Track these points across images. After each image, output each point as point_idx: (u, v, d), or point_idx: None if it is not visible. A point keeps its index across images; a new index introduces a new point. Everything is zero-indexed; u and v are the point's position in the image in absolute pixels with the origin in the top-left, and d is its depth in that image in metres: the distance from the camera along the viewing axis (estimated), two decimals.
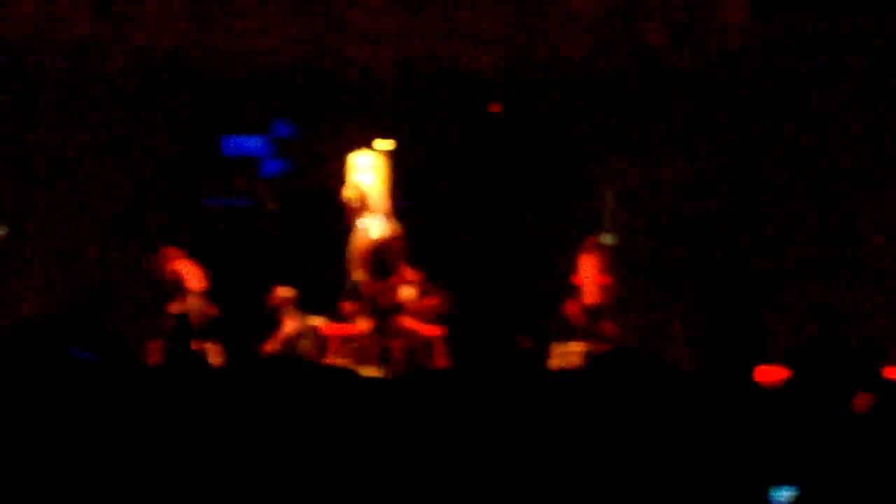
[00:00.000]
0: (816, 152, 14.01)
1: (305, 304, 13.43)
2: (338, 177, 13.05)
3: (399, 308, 12.54)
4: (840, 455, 3.69)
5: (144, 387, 3.71)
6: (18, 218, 14.34)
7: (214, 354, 12.34)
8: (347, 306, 12.93)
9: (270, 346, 13.25)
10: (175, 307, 12.85)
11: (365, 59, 11.69)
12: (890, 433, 3.99)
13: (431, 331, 12.56)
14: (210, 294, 13.18)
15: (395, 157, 13.30)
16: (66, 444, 3.27)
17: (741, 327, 13.05)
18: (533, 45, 11.77)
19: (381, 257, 12.47)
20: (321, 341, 13.01)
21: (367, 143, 13.18)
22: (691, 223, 14.30)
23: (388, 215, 12.98)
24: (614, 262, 13.65)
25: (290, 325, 13.23)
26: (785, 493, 3.19)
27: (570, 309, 13.32)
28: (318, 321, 13.24)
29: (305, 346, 13.21)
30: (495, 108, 14.32)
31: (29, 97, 13.77)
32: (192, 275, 13.06)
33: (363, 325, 12.57)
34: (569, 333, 13.28)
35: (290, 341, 13.25)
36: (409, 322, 12.54)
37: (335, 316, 13.11)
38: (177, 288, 13.05)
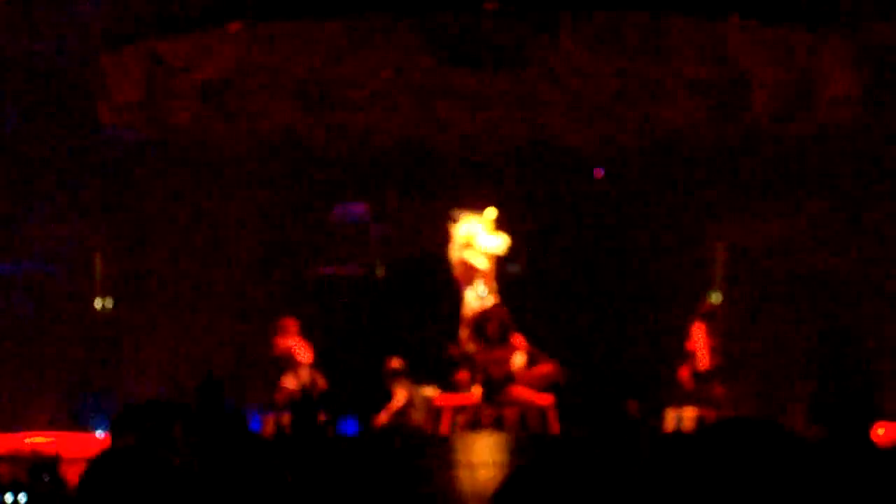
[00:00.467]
0: None
1: (417, 373, 13.48)
2: (444, 243, 13.23)
3: (511, 377, 12.53)
4: None
5: (262, 459, 3.78)
6: (135, 293, 14.58)
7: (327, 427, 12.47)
8: (460, 376, 12.96)
9: (382, 418, 13.31)
10: (288, 380, 13.02)
11: (468, 132, 11.82)
12: None
13: (543, 399, 12.52)
14: (322, 365, 13.31)
15: (501, 227, 13.38)
16: None
17: (855, 386, 12.87)
18: (636, 117, 11.81)
19: (491, 326, 12.51)
20: (434, 411, 13.03)
21: (473, 211, 13.28)
22: (800, 281, 14.17)
23: (495, 284, 13.10)
24: (723, 322, 13.51)
25: (400, 396, 13.29)
26: None
27: (682, 374, 13.22)
28: (430, 391, 13.27)
29: (417, 416, 13.25)
30: (598, 173, 14.34)
31: (151, 174, 14.00)
32: (301, 349, 13.21)
33: (476, 394, 12.58)
34: (681, 399, 13.17)
35: (402, 412, 13.31)
36: (521, 391, 12.51)
37: (447, 385, 13.13)
38: (289, 362, 13.21)
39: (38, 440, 12.43)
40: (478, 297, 13.02)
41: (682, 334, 13.26)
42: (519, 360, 12.65)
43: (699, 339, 13.22)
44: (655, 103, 11.71)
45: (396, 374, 13.36)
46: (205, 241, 14.54)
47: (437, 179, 14.31)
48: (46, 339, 13.98)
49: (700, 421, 12.59)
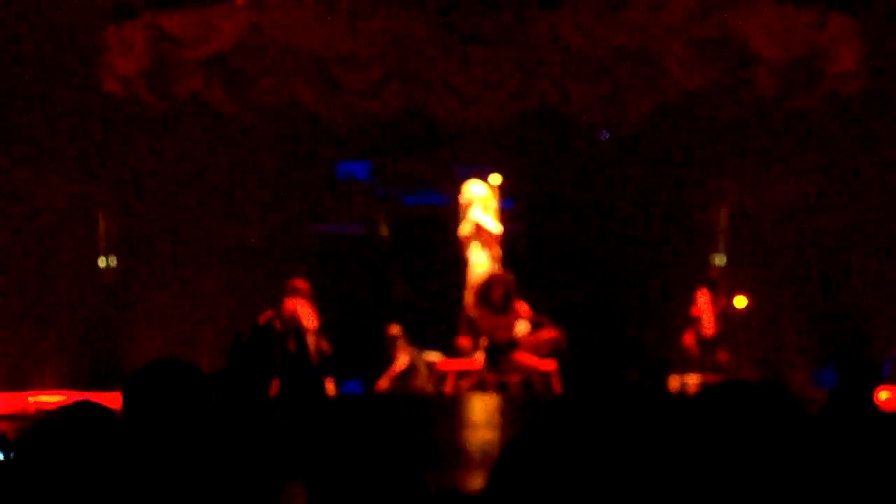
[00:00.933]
0: None
1: (419, 338, 13.51)
2: (450, 205, 13.26)
3: (515, 343, 12.56)
4: None
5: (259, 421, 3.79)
6: (143, 250, 14.61)
7: (329, 391, 12.51)
8: (463, 341, 12.99)
9: (383, 383, 13.36)
10: (293, 346, 13.02)
11: (472, 99, 11.81)
12: None
13: (546, 365, 12.56)
14: (327, 329, 13.33)
15: (505, 191, 13.40)
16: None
17: (857, 349, 12.89)
18: (639, 89, 11.81)
19: (496, 292, 12.53)
20: (436, 376, 13.08)
21: (478, 175, 13.31)
22: (804, 243, 14.21)
23: (499, 250, 13.12)
24: (727, 287, 13.54)
25: (402, 361, 13.33)
26: None
27: (687, 340, 13.26)
28: (433, 356, 13.32)
29: (420, 381, 13.30)
30: (603, 136, 14.31)
31: (154, 131, 13.97)
32: (307, 314, 13.23)
33: (479, 360, 12.62)
34: (685, 365, 13.22)
35: (403, 377, 13.35)
36: (524, 357, 12.55)
37: (450, 350, 13.17)
38: (293, 327, 13.21)
39: (43, 399, 12.47)
40: (482, 261, 13.04)
41: (686, 299, 13.31)
42: (523, 326, 12.68)
43: (704, 306, 13.25)
44: (659, 78, 11.69)
45: (396, 340, 13.40)
46: (209, 198, 14.53)
47: (442, 143, 14.31)
48: (51, 298, 14.01)
49: (704, 387, 12.63)
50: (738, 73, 11.55)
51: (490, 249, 13.11)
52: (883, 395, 11.29)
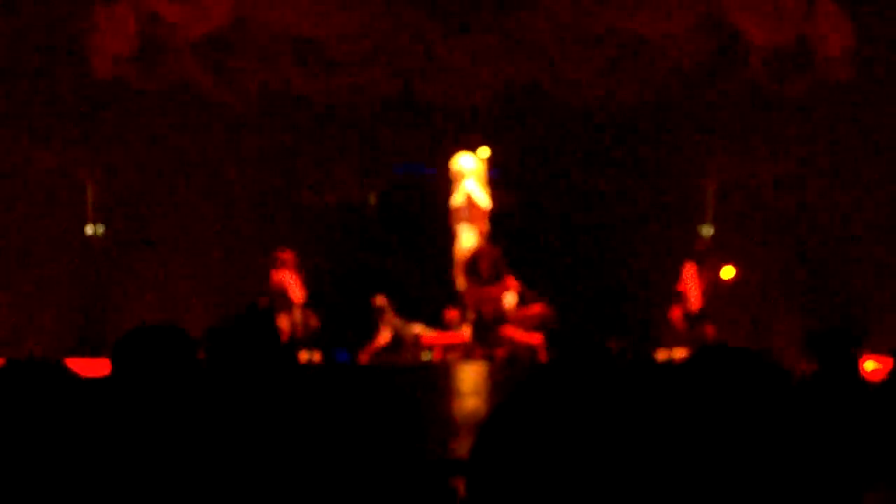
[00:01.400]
0: None
1: (406, 310, 13.51)
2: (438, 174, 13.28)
3: (502, 317, 12.58)
4: None
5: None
6: (131, 217, 14.61)
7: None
8: (451, 314, 13.00)
9: (364, 357, 13.36)
10: (280, 320, 13.06)
11: (462, 80, 11.84)
12: None
13: (533, 338, 12.59)
14: (314, 302, 13.33)
15: (493, 165, 13.41)
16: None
17: (844, 320, 12.98)
18: (629, 72, 11.84)
19: (484, 265, 12.54)
20: (422, 349, 13.09)
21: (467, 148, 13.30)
22: (791, 217, 14.29)
23: (488, 224, 13.14)
24: (715, 262, 13.58)
25: (385, 335, 13.28)
26: None
27: (674, 315, 13.29)
28: (418, 328, 13.32)
29: (405, 354, 13.31)
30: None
31: (144, 101, 13.93)
32: (295, 287, 13.23)
33: (466, 333, 12.64)
34: (672, 339, 13.27)
35: (387, 350, 13.34)
36: (511, 331, 12.57)
37: (437, 323, 13.18)
38: (282, 298, 13.24)
39: None
40: (470, 234, 13.05)
41: (674, 271, 13.35)
42: (510, 299, 12.70)
43: (690, 280, 13.28)
44: (649, 60, 11.71)
45: (381, 312, 13.37)
46: (196, 165, 14.52)
47: (430, 119, 14.29)
48: (39, 265, 14.00)
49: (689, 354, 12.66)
50: (728, 56, 11.56)
51: (478, 223, 13.11)
52: (869, 364, 11.41)
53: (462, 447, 8.88)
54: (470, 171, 13.10)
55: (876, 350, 12.08)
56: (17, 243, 13.96)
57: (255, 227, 14.59)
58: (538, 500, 2.20)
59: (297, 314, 13.20)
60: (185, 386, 3.59)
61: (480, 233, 13.11)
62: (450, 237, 13.23)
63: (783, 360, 2.91)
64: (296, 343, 11.74)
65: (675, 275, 13.35)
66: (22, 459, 2.99)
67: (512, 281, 12.72)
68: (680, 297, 13.29)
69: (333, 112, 13.20)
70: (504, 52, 11.36)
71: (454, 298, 13.06)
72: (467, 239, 13.02)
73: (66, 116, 13.83)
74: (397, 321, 13.35)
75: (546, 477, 2.20)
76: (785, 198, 14.23)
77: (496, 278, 12.54)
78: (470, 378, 11.23)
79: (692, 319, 13.15)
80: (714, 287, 13.38)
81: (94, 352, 12.59)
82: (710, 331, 13.21)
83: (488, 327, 12.52)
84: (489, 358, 12.56)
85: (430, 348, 12.93)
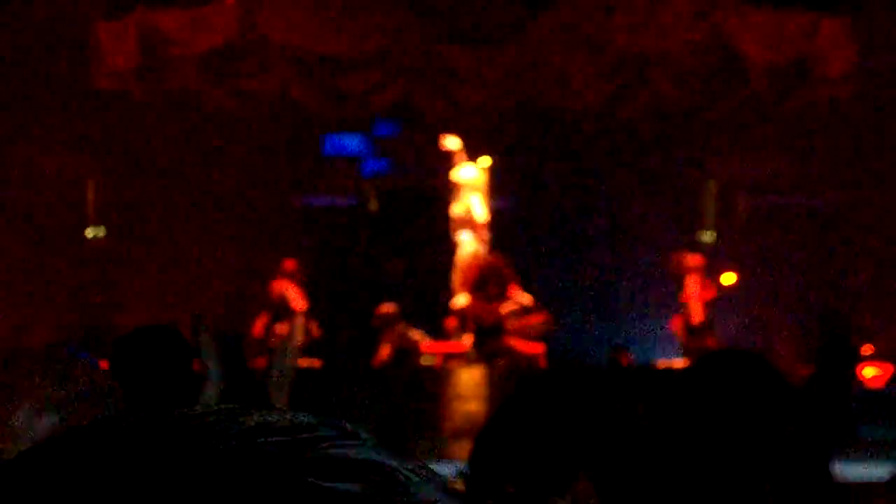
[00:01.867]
0: None
1: (407, 316, 13.44)
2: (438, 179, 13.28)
3: (502, 327, 12.56)
4: None
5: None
6: (131, 220, 14.60)
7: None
8: (450, 323, 12.96)
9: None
10: (281, 327, 13.05)
11: (462, 98, 11.88)
12: None
13: (534, 348, 12.57)
14: (316, 311, 13.31)
15: (495, 173, 13.40)
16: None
17: (844, 326, 12.99)
18: (631, 88, 11.90)
19: (486, 275, 12.53)
20: (422, 355, 13.04)
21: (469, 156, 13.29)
22: (791, 223, 14.32)
23: (488, 234, 13.10)
24: (715, 271, 13.58)
25: (385, 350, 13.10)
26: None
27: (674, 326, 13.28)
28: (418, 335, 13.18)
29: (407, 359, 13.24)
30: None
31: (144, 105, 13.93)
32: (296, 296, 13.22)
33: (466, 342, 12.60)
34: (672, 350, 13.27)
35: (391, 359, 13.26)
36: (512, 340, 12.55)
37: (437, 331, 13.13)
38: (283, 307, 13.23)
39: None
40: (470, 244, 13.02)
41: (674, 277, 13.32)
42: (510, 309, 12.68)
43: (692, 292, 13.25)
44: (650, 80, 11.75)
45: (388, 321, 13.21)
46: (197, 169, 14.51)
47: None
48: (40, 267, 14.01)
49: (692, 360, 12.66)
50: (731, 76, 11.62)
51: (478, 232, 13.09)
52: (869, 371, 11.41)
53: (462, 450, 8.85)
54: (471, 182, 13.08)
55: (876, 357, 12.14)
56: (19, 245, 13.96)
57: (256, 230, 14.58)
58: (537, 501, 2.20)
59: (299, 322, 13.18)
60: (180, 387, 3.60)
61: (481, 241, 13.09)
62: (450, 244, 13.20)
63: (782, 365, 2.91)
64: (285, 350, 11.70)
65: (676, 284, 13.33)
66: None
67: (514, 290, 12.70)
68: (681, 309, 13.27)
69: (336, 118, 13.20)
70: (510, 67, 11.38)
71: (454, 307, 13.02)
72: (467, 248, 12.99)
73: (68, 120, 13.84)
74: (403, 330, 13.17)
75: (544, 477, 2.20)
76: (786, 203, 14.27)
77: (501, 291, 12.53)
78: (470, 382, 11.23)
79: (693, 331, 13.13)
80: (715, 299, 13.38)
81: (94, 353, 12.56)
82: (711, 343, 13.19)
83: (489, 337, 12.49)
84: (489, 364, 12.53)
85: (432, 355, 12.90)
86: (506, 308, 12.60)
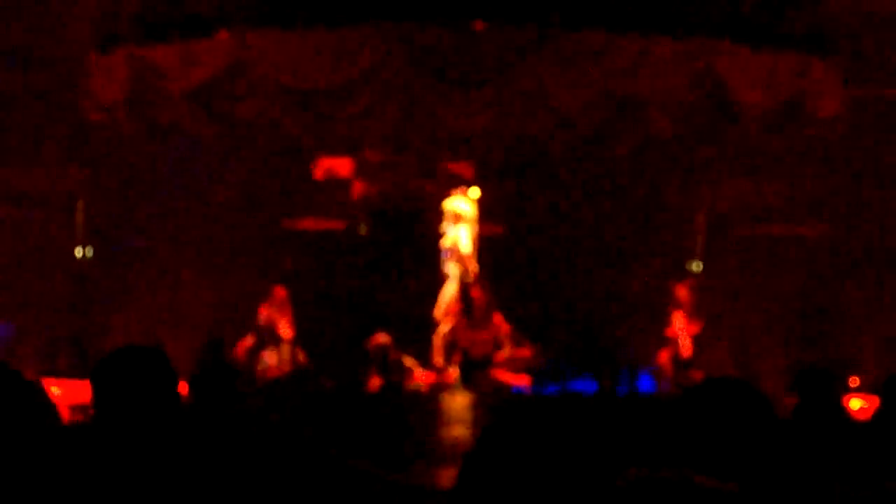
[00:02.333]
0: None
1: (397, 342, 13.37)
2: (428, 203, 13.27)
3: (490, 359, 12.55)
4: None
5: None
6: (120, 241, 14.59)
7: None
8: (438, 357, 12.89)
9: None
10: (269, 356, 13.03)
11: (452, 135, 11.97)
12: None
13: (520, 381, 12.55)
14: (302, 340, 13.28)
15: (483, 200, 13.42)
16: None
17: (830, 357, 12.97)
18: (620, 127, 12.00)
19: (473, 307, 12.54)
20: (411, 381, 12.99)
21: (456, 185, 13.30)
22: (779, 252, 14.36)
23: (476, 264, 13.07)
24: (702, 304, 13.58)
25: (377, 378, 13.00)
26: None
27: (662, 359, 13.27)
28: (410, 362, 13.09)
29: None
30: None
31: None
32: (283, 324, 13.20)
33: (453, 375, 12.57)
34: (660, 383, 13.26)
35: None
36: (498, 373, 12.53)
37: (426, 358, 13.07)
38: (271, 334, 13.21)
39: None
40: (457, 275, 13.01)
41: (662, 307, 13.32)
42: (498, 343, 12.67)
43: (680, 327, 13.25)
44: (642, 122, 11.81)
45: (381, 351, 13.06)
46: (187, 190, 14.50)
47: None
48: (27, 286, 14.00)
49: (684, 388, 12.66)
50: (722, 116, 11.69)
51: (466, 263, 13.07)
52: (855, 403, 11.40)
53: (447, 477, 8.81)
54: (462, 214, 13.08)
55: (863, 389, 12.16)
56: (7, 265, 13.95)
57: (245, 252, 14.55)
58: None
59: (286, 350, 13.17)
60: (164, 409, 3.58)
61: (470, 272, 13.06)
62: (437, 272, 13.17)
63: (769, 395, 2.90)
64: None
65: (663, 316, 13.32)
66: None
67: (502, 323, 12.69)
68: (669, 343, 13.27)
69: (326, 146, 13.23)
70: (497, 107, 11.39)
71: (440, 341, 12.96)
72: (454, 279, 12.97)
73: (59, 139, 13.84)
74: (396, 359, 13.03)
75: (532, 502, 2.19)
76: (774, 232, 14.33)
77: (487, 321, 12.52)
78: (456, 407, 11.20)
79: (682, 365, 13.13)
80: (703, 330, 13.39)
81: (80, 375, 12.55)
82: (697, 377, 13.17)
83: (476, 369, 12.48)
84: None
85: (419, 384, 12.85)
86: (492, 340, 12.59)
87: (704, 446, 2.61)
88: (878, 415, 5.74)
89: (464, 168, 13.69)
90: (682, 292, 13.48)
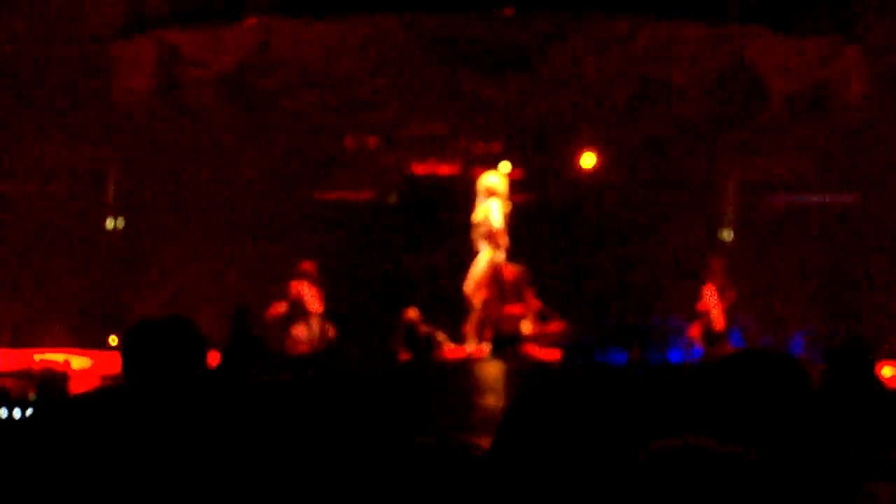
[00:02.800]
0: None
1: (427, 316, 13.36)
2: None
3: (521, 335, 12.54)
4: None
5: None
6: (151, 212, 14.65)
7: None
8: (469, 329, 12.88)
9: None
10: (299, 329, 13.05)
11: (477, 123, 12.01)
12: None
13: (551, 356, 12.54)
14: (332, 313, 13.29)
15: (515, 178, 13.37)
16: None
17: (860, 325, 12.92)
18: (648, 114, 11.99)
19: (503, 282, 12.52)
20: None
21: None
22: (811, 222, 14.34)
23: (507, 239, 13.02)
24: (732, 276, 13.52)
25: (408, 352, 12.99)
26: None
27: (693, 333, 13.23)
28: (441, 337, 13.06)
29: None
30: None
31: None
32: (312, 298, 13.21)
33: (483, 349, 12.55)
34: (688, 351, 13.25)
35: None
36: (530, 348, 12.52)
37: (457, 333, 13.05)
38: (300, 308, 13.22)
39: (48, 357, 12.53)
40: (488, 251, 12.95)
41: (694, 277, 13.27)
42: (530, 318, 12.67)
43: (711, 301, 13.19)
44: (667, 106, 11.79)
45: (411, 326, 13.04)
46: (216, 163, 14.51)
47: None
48: (59, 258, 14.09)
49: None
50: (751, 101, 11.67)
51: (498, 240, 13.01)
52: (887, 371, 11.36)
53: (482, 443, 8.84)
54: (493, 190, 13.00)
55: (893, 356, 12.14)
56: (39, 237, 14.05)
57: (274, 226, 14.58)
58: (557, 491, 2.19)
59: (315, 324, 13.18)
60: (191, 381, 3.59)
61: (500, 248, 12.98)
62: (468, 246, 13.14)
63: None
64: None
65: (694, 288, 13.26)
66: None
67: (532, 299, 12.68)
68: (700, 316, 13.21)
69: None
70: (529, 94, 11.39)
71: (470, 314, 12.94)
72: (484, 255, 12.92)
73: (88, 116, 13.90)
74: (426, 333, 13.01)
75: (564, 469, 2.19)
76: (803, 202, 14.30)
77: (518, 297, 12.51)
78: (487, 378, 11.22)
79: (712, 338, 13.07)
80: (733, 305, 13.33)
81: (110, 346, 12.69)
82: (730, 350, 13.14)
83: (507, 344, 12.48)
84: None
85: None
86: (524, 315, 12.58)
87: (736, 416, 2.60)
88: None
89: (493, 145, 13.65)
90: (714, 264, 13.42)
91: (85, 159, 14.21)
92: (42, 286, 14.03)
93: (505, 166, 13.23)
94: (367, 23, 10.83)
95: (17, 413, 8.60)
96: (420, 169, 14.76)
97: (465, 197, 13.09)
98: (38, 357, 12.54)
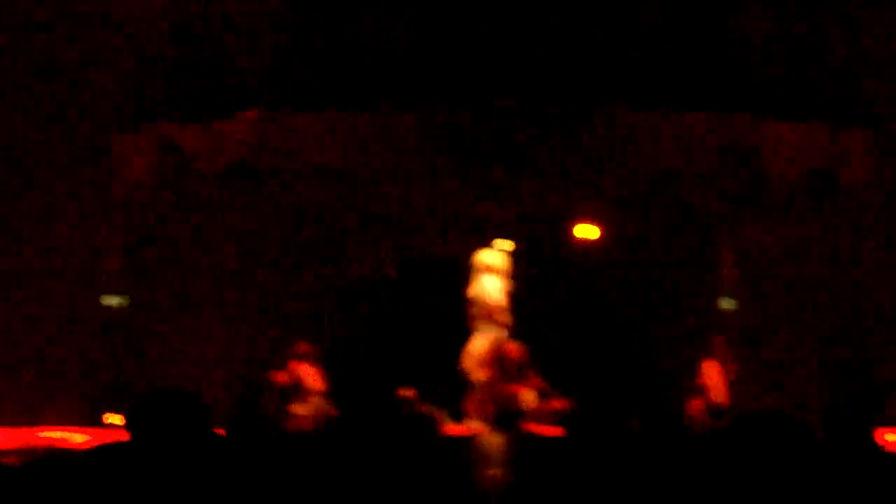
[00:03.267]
0: None
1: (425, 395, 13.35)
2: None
3: (522, 413, 12.51)
4: None
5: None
6: (152, 289, 14.67)
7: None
8: (470, 406, 12.86)
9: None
10: (298, 407, 13.04)
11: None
12: None
13: (553, 433, 12.49)
14: (332, 387, 13.28)
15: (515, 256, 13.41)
16: None
17: (861, 390, 12.89)
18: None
19: (507, 361, 12.51)
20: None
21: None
22: (810, 288, 14.34)
23: (507, 317, 13.02)
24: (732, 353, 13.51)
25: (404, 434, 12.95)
26: None
27: (694, 408, 13.19)
28: (440, 416, 13.03)
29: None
30: None
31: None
32: (312, 376, 13.22)
33: (484, 428, 12.52)
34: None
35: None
36: (532, 427, 12.49)
37: (454, 412, 13.02)
38: (300, 388, 13.23)
39: (51, 434, 12.49)
40: (487, 328, 12.94)
41: (693, 351, 13.26)
42: (532, 396, 12.64)
43: (712, 375, 13.16)
44: (670, 188, 11.90)
45: (408, 404, 13.04)
46: (217, 239, 14.56)
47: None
48: (61, 335, 14.09)
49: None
50: (753, 187, 11.79)
51: (496, 317, 13.01)
52: (891, 437, 11.28)
53: None
54: (493, 267, 13.04)
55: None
56: (42, 312, 14.07)
57: (277, 299, 14.60)
58: None
59: (317, 402, 13.18)
60: (197, 452, 3.60)
61: (501, 325, 12.99)
62: (466, 326, 13.14)
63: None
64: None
65: (694, 360, 13.26)
66: None
67: (534, 377, 12.67)
68: (701, 391, 13.18)
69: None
70: (527, 199, 11.52)
71: (471, 391, 12.93)
72: (483, 333, 12.91)
73: (87, 199, 13.98)
74: (426, 411, 12.99)
75: None
76: (802, 269, 14.29)
77: (520, 375, 12.50)
78: (490, 450, 11.18)
79: (714, 413, 13.03)
80: (736, 379, 13.31)
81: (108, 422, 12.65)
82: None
83: (508, 422, 12.44)
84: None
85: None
86: (526, 394, 12.56)
87: (746, 481, 2.61)
88: None
89: (492, 224, 13.70)
90: (715, 341, 13.44)
91: (87, 238, 14.24)
92: (45, 363, 14.02)
93: (505, 243, 13.25)
94: (369, 118, 10.94)
95: None
96: (419, 246, 14.78)
97: (465, 274, 13.12)
98: (41, 434, 12.51)
